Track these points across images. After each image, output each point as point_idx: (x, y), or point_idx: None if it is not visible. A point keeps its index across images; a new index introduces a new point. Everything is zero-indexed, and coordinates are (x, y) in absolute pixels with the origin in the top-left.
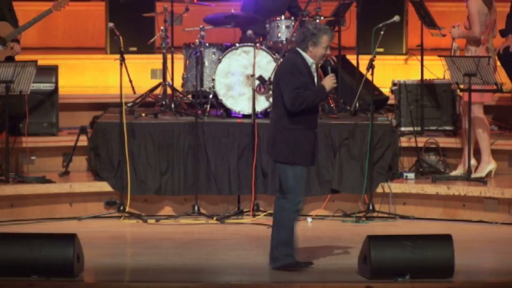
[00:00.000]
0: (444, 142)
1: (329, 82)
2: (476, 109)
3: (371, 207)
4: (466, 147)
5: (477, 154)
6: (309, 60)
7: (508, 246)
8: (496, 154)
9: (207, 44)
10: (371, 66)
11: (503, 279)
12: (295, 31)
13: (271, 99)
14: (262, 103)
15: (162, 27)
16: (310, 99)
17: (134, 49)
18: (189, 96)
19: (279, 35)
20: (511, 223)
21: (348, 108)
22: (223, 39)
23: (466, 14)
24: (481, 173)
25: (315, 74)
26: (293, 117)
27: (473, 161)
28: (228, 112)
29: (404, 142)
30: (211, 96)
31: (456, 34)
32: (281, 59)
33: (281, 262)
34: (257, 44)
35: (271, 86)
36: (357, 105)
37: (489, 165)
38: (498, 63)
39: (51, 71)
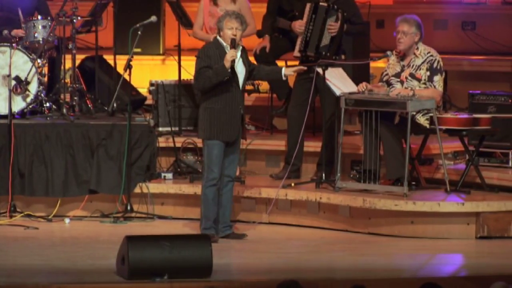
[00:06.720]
0: (201, 142)
1: (227, 57)
2: None
3: (129, 208)
4: None
5: None
6: (223, 44)
7: (266, 245)
8: (253, 154)
9: None
10: (128, 66)
11: (261, 278)
12: (51, 31)
13: (28, 99)
14: (19, 104)
15: None
16: (211, 75)
17: None
18: None
19: (36, 35)
20: (268, 223)
21: (106, 108)
22: None
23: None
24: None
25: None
26: (205, 95)
27: None
28: None
29: (162, 142)
30: None
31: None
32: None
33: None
34: (14, 44)
35: (28, 87)
36: (114, 105)
37: None
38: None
39: None
